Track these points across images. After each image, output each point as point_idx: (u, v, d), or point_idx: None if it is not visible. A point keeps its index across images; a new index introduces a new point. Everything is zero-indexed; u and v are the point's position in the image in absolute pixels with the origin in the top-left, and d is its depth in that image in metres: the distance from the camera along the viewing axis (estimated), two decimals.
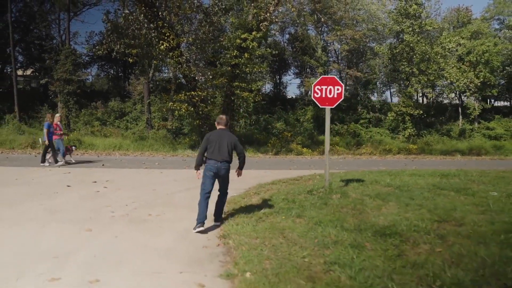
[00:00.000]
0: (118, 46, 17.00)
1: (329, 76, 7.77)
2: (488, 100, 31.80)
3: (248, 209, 6.22)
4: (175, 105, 17.69)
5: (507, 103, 34.10)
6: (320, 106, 7.47)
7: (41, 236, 4.67)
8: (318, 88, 7.43)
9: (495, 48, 26.83)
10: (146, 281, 3.47)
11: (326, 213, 6.04)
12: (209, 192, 5.28)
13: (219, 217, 5.53)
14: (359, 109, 27.43)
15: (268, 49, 22.86)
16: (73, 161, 12.41)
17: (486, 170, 12.37)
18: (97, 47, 19.49)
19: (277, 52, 23.27)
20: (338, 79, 7.52)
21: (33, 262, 3.84)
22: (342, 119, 26.25)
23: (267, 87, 31.90)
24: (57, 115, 12.56)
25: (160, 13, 16.64)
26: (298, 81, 31.80)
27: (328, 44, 28.72)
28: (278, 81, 31.63)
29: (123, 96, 27.60)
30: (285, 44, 31.06)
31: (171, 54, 16.86)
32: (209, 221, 5.45)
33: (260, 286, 3.31)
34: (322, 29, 28.10)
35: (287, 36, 31.07)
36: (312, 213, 5.99)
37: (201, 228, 4.99)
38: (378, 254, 4.31)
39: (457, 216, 6.15)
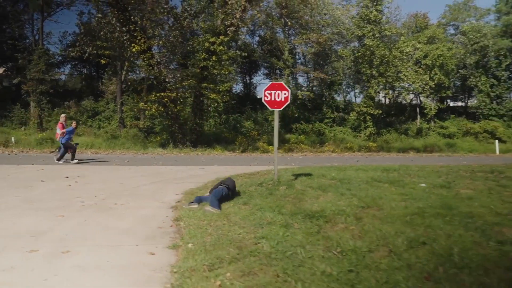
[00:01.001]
0: (91, 48, 17.58)
1: (277, 82, 8.79)
2: (445, 101, 33.98)
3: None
4: (145, 105, 18.42)
5: (463, 104, 36.51)
6: (270, 108, 8.51)
7: (20, 221, 5.48)
8: (268, 93, 8.45)
9: (449, 52, 28.81)
10: (108, 251, 4.38)
11: (269, 201, 7.06)
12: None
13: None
14: (324, 109, 28.84)
15: (237, 51, 23.84)
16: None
17: (426, 165, 13.79)
18: (70, 49, 19.98)
19: (246, 54, 24.29)
20: (285, 85, 8.57)
21: (14, 239, 4.67)
22: (308, 118, 27.57)
23: (238, 87, 32.93)
24: (63, 115, 13.48)
25: (132, 17, 17.29)
26: (268, 81, 32.91)
27: (296, 47, 29.98)
28: (248, 81, 32.66)
29: (96, 95, 27.94)
30: (255, 46, 32.13)
31: (142, 56, 17.58)
32: (166, 208, 6.44)
33: (197, 252, 4.29)
34: (289, 33, 29.32)
35: (257, 38, 32.17)
36: (257, 201, 6.99)
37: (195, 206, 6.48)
38: (301, 232, 5.34)
39: (380, 203, 7.27)
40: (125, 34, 17.28)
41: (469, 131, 30.08)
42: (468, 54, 32.23)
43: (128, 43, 17.36)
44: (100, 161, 13.80)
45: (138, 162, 13.81)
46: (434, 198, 7.63)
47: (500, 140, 28.69)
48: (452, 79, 31.94)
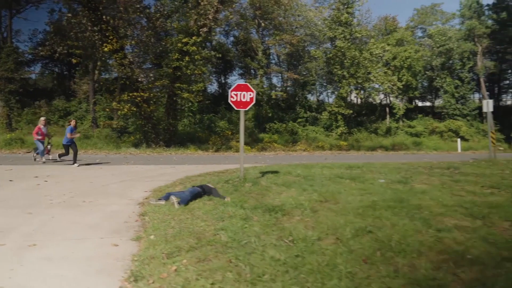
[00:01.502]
0: (61, 47, 17.46)
1: (243, 83, 9.17)
2: (413, 101, 35.35)
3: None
4: (118, 105, 18.46)
5: (430, 104, 38.04)
6: (236, 109, 8.89)
7: None
8: (234, 93, 8.84)
9: (416, 54, 30.01)
10: (73, 244, 4.64)
11: (233, 197, 7.42)
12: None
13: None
14: (297, 109, 29.48)
15: (212, 51, 24.13)
16: (51, 158, 13.39)
17: (390, 162, 14.51)
18: (39, 48, 19.75)
19: (220, 54, 24.57)
20: (250, 86, 8.97)
21: None
22: (282, 118, 28.11)
23: (213, 87, 33.18)
24: (42, 118, 13.59)
25: (104, 17, 17.25)
26: (243, 81, 33.26)
27: (270, 48, 30.50)
28: (223, 81, 32.94)
29: (68, 95, 27.59)
30: (230, 46, 32.44)
31: (114, 56, 17.60)
32: (134, 205, 6.73)
33: (158, 243, 4.60)
34: (263, 33, 29.81)
35: (232, 38, 32.50)
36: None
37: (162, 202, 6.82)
38: (259, 224, 5.72)
39: (338, 197, 7.76)
40: (96, 33, 17.24)
41: (435, 130, 31.44)
42: (434, 56, 33.66)
43: (100, 42, 17.35)
44: (71, 161, 13.82)
45: (109, 161, 13.92)
46: (390, 193, 8.18)
47: (463, 139, 30.15)
48: (419, 80, 33.26)
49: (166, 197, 7.01)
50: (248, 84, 9.05)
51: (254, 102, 8.92)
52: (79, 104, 26.02)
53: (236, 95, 8.82)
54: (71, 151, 12.53)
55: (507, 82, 41.23)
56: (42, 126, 13.06)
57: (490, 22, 35.78)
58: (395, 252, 4.54)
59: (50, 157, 13.41)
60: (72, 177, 9.71)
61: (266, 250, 4.51)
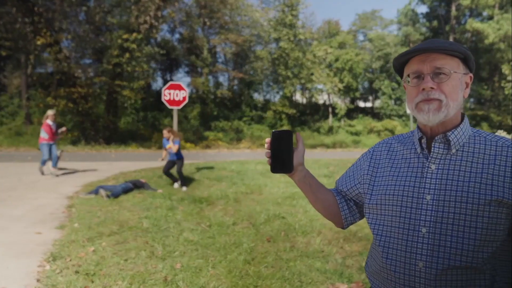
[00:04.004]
0: None
1: (176, 82, 9.55)
2: (355, 101, 37.41)
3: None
4: (54, 101, 17.92)
5: (371, 104, 40.43)
6: (169, 107, 9.26)
7: None
8: (167, 92, 9.21)
9: (356, 57, 31.87)
10: None
11: (164, 190, 7.85)
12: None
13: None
14: (243, 107, 30.14)
15: (156, 48, 24.03)
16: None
17: (323, 158, 15.56)
18: None
19: (164, 51, 24.50)
20: (183, 85, 9.38)
21: None
22: (228, 116, 28.61)
23: (157, 84, 32.87)
24: (51, 112, 9.55)
25: (36, 8, 16.62)
26: (189, 79, 33.37)
27: (216, 46, 30.87)
28: (169, 78, 32.73)
29: None
30: (176, 43, 32.32)
31: (49, 50, 17.04)
32: (63, 199, 6.91)
33: (81, 230, 4.91)
34: (209, 32, 30.13)
35: (178, 35, 32.41)
36: (152, 191, 7.75)
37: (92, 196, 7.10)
38: (183, 212, 6.19)
39: (264, 189, 8.45)
40: (28, 25, 16.50)
41: (373, 129, 33.53)
42: (374, 60, 35.88)
43: (32, 35, 16.65)
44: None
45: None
46: None
47: None
48: (360, 82, 35.28)
49: (96, 191, 7.24)
50: (181, 83, 9.44)
51: (187, 101, 9.34)
52: (11, 99, 24.64)
53: (170, 93, 9.19)
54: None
55: None
56: (51, 123, 9.44)
57: (424, 29, 38.49)
58: (297, 232, 5.20)
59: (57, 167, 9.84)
60: None
61: (183, 234, 4.99)
